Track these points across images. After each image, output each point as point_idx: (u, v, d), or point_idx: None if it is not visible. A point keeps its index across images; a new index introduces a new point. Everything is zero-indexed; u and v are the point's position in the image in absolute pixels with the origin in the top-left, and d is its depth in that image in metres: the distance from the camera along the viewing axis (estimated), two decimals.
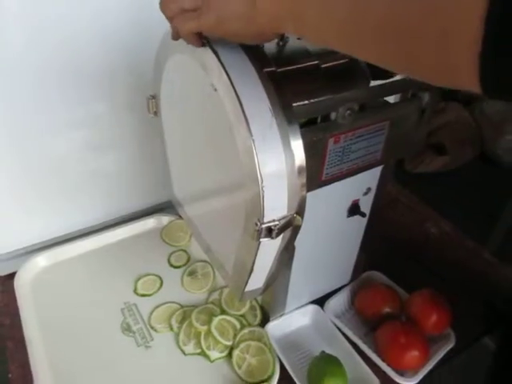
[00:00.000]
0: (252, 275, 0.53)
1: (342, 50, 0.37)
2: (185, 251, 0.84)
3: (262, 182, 0.43)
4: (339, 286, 0.77)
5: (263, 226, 0.45)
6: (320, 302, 0.74)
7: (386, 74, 0.56)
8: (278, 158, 0.44)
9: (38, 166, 0.76)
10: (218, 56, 0.44)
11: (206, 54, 0.45)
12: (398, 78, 0.56)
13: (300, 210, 0.48)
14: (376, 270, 0.79)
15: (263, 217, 0.45)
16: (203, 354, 0.68)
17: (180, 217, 0.88)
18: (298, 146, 0.45)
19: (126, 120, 0.80)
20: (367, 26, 0.32)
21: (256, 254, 0.49)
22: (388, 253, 0.83)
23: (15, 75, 0.67)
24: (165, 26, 0.56)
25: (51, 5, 0.64)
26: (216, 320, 0.69)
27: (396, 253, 0.85)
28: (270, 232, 0.46)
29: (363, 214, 0.65)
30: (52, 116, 0.74)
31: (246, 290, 0.56)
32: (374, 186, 0.65)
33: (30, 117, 0.72)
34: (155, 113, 0.67)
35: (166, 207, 0.92)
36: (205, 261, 0.82)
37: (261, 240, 0.46)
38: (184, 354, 0.68)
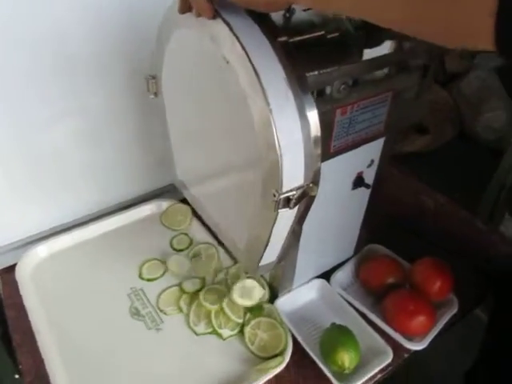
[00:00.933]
0: (267, 248, 0.54)
1: (360, 15, 0.37)
2: (186, 234, 0.84)
3: (280, 151, 0.44)
4: (343, 259, 0.78)
5: (281, 196, 0.46)
6: (325, 276, 0.75)
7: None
8: (294, 127, 0.44)
9: (32, 155, 0.75)
10: (231, 27, 0.44)
11: (218, 25, 0.45)
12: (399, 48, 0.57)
13: (315, 180, 0.48)
14: (376, 243, 0.81)
15: (281, 187, 0.46)
16: (215, 332, 0.68)
17: (179, 201, 0.89)
18: (313, 115, 0.45)
19: (120, 106, 0.79)
20: None
21: (273, 226, 0.50)
22: (386, 226, 0.85)
23: (7, 64, 0.65)
24: (158, 7, 0.56)
25: None
26: (227, 299, 0.69)
27: (394, 226, 0.86)
28: (288, 202, 0.47)
29: (368, 186, 0.66)
30: (46, 105, 0.72)
31: (261, 264, 0.57)
32: (376, 158, 0.66)
33: (24, 106, 0.70)
34: (155, 93, 0.66)
35: (164, 192, 0.91)
36: (208, 242, 0.82)
37: (279, 211, 0.47)
38: (196, 334, 0.68)
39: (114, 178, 0.86)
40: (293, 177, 0.46)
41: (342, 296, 0.72)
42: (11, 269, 0.77)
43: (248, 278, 0.71)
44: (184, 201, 0.89)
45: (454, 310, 0.71)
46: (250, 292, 0.70)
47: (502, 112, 1.95)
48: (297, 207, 0.49)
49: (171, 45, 0.57)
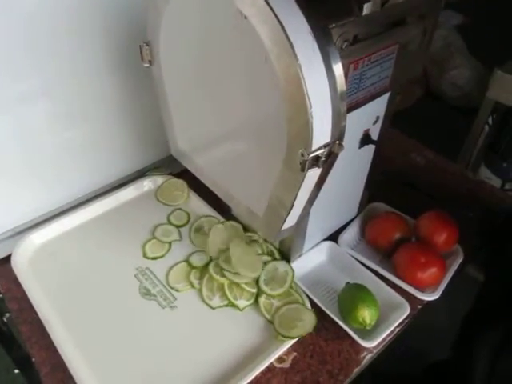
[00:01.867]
0: (291, 211, 0.53)
1: None
2: (182, 210, 0.82)
3: (310, 109, 0.42)
4: (347, 220, 0.78)
5: (311, 155, 0.45)
6: (330, 239, 0.75)
7: None
8: (323, 82, 0.43)
9: (21, 140, 0.70)
10: None
11: None
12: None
13: (341, 137, 0.47)
14: (376, 202, 0.82)
15: (311, 145, 0.44)
16: (231, 304, 0.67)
17: (174, 175, 0.86)
18: (338, 69, 0.44)
19: (103, 81, 0.74)
20: None
21: (299, 188, 0.49)
22: (384, 185, 0.85)
23: None
24: None
25: None
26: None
27: (390, 183, 0.87)
28: (316, 161, 0.46)
29: (375, 142, 0.66)
30: (27, 83, 0.67)
31: (282, 229, 0.56)
32: (381, 114, 0.66)
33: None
34: (150, 62, 0.63)
35: (154, 168, 0.88)
36: (208, 215, 0.80)
37: (308, 171, 0.46)
38: (212, 308, 0.67)
39: (104, 158, 0.81)
40: (321, 134, 0.45)
41: (351, 255, 0.73)
42: (4, 261, 0.73)
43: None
44: (178, 175, 0.86)
45: (461, 259, 0.73)
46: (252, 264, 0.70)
47: (466, 69, 2.00)
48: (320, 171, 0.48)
49: (171, 6, 0.53)
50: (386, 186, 0.85)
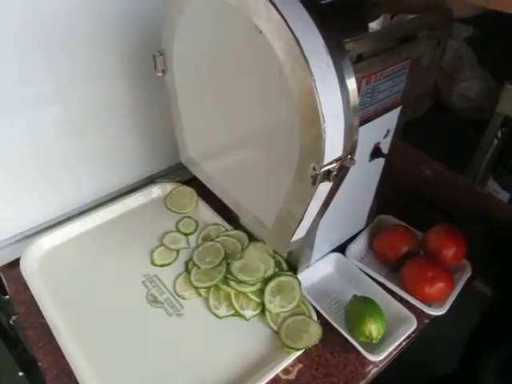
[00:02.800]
0: (301, 224, 0.53)
1: None
2: (191, 217, 0.82)
3: (324, 123, 0.42)
4: (355, 232, 0.78)
5: (322, 169, 0.45)
6: (338, 250, 0.75)
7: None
8: (336, 96, 0.43)
9: (32, 146, 0.71)
10: None
11: None
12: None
13: (353, 151, 0.47)
14: (386, 213, 0.81)
15: (323, 159, 0.44)
16: (237, 314, 0.67)
17: (183, 183, 0.86)
18: (352, 83, 0.44)
19: (117, 88, 0.75)
20: None
21: (310, 201, 0.49)
22: (392, 197, 0.85)
23: None
24: None
25: None
26: None
27: (399, 196, 0.87)
28: (328, 175, 0.46)
29: (385, 155, 0.66)
30: (41, 87, 0.67)
31: (292, 240, 0.56)
32: (392, 128, 0.66)
33: (12, 92, 0.65)
34: (163, 71, 0.63)
35: (164, 175, 0.88)
36: (216, 224, 0.80)
37: (319, 185, 0.46)
38: (218, 317, 0.67)
39: (114, 164, 0.82)
40: (333, 149, 0.45)
41: (359, 268, 0.72)
42: (13, 265, 0.74)
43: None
44: (187, 183, 0.87)
45: (468, 274, 0.72)
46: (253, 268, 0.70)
47: (476, 81, 2.00)
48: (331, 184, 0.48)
49: (185, 17, 0.54)
50: (395, 198, 0.85)
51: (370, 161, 0.66)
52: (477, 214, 0.87)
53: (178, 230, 0.80)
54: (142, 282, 0.72)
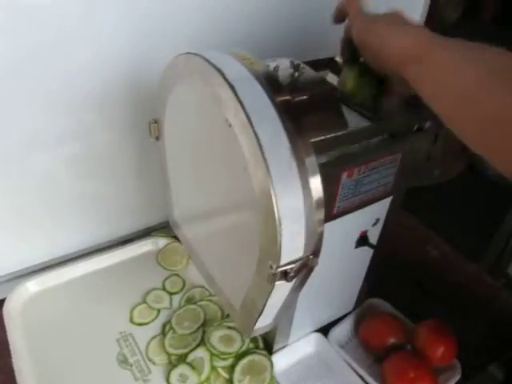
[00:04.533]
0: (262, 314, 0.51)
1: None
2: (179, 276, 0.81)
3: (280, 224, 0.41)
4: (343, 314, 0.75)
5: (279, 269, 0.43)
6: (323, 330, 0.72)
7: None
8: (296, 199, 0.42)
9: (25, 187, 0.72)
10: (236, 91, 0.42)
11: (222, 87, 0.43)
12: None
13: (316, 250, 0.46)
14: (378, 297, 0.78)
15: (279, 260, 0.43)
16: None
17: (177, 239, 0.86)
18: (316, 183, 0.43)
19: (121, 140, 0.77)
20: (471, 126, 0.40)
21: (269, 296, 0.47)
22: (389, 278, 0.81)
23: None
24: (168, 52, 0.54)
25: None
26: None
27: (397, 277, 0.83)
28: (285, 275, 0.44)
29: (372, 246, 0.63)
30: (39, 133, 0.69)
31: (255, 327, 0.54)
32: (382, 216, 0.63)
33: (14, 135, 0.67)
34: (157, 137, 0.64)
35: (161, 228, 0.89)
36: (202, 286, 0.79)
37: (275, 283, 0.44)
38: None
39: (109, 213, 0.83)
40: (292, 249, 0.43)
41: (339, 354, 0.69)
42: None
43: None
44: None
45: (457, 378, 0.67)
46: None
47: None
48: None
49: (173, 96, 0.55)
50: (392, 279, 0.81)
51: (356, 248, 0.64)
52: (481, 309, 0.81)
53: (164, 288, 0.79)
54: (117, 340, 0.71)
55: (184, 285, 0.80)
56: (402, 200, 0.67)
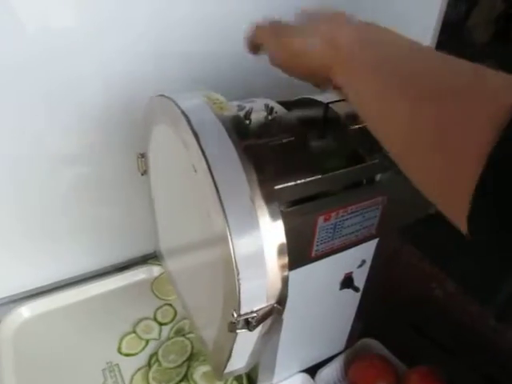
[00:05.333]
0: (231, 360, 0.50)
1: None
2: (171, 306, 0.81)
3: (238, 275, 0.40)
4: (332, 354, 0.73)
5: (240, 318, 0.42)
6: (312, 370, 0.70)
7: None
8: (255, 246, 0.41)
9: (22, 213, 0.74)
10: (198, 139, 0.42)
11: (188, 134, 0.43)
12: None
13: (281, 298, 0.45)
14: (372, 336, 0.75)
15: (239, 309, 0.42)
16: None
17: None
18: (279, 229, 0.42)
19: (119, 167, 0.78)
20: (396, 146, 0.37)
21: (233, 343, 0.46)
22: (386, 316, 0.79)
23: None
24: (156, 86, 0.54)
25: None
26: None
27: (394, 316, 0.80)
28: (247, 324, 0.43)
29: (357, 289, 0.61)
30: (35, 163, 0.72)
31: (226, 371, 0.53)
32: (369, 258, 0.62)
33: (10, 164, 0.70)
34: (145, 171, 0.65)
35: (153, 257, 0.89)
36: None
37: (237, 332, 0.43)
38: None
39: (105, 240, 0.84)
40: (253, 298, 0.43)
41: None
42: None
43: None
44: None
45: None
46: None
47: None
48: (260, 325, 0.45)
49: (154, 133, 0.56)
50: (387, 318, 0.79)
51: (340, 289, 0.62)
52: (483, 355, 0.77)
53: (155, 318, 0.79)
54: (102, 370, 0.71)
55: (175, 315, 0.80)
56: (395, 238, 0.66)
